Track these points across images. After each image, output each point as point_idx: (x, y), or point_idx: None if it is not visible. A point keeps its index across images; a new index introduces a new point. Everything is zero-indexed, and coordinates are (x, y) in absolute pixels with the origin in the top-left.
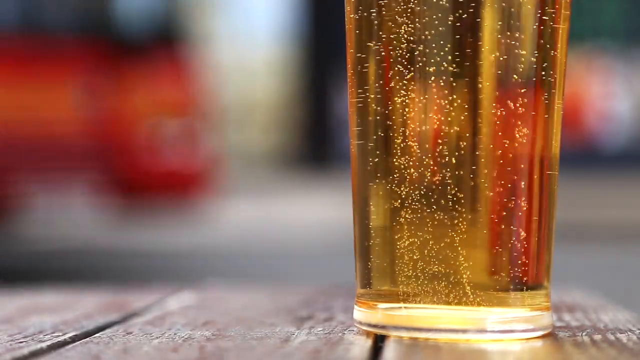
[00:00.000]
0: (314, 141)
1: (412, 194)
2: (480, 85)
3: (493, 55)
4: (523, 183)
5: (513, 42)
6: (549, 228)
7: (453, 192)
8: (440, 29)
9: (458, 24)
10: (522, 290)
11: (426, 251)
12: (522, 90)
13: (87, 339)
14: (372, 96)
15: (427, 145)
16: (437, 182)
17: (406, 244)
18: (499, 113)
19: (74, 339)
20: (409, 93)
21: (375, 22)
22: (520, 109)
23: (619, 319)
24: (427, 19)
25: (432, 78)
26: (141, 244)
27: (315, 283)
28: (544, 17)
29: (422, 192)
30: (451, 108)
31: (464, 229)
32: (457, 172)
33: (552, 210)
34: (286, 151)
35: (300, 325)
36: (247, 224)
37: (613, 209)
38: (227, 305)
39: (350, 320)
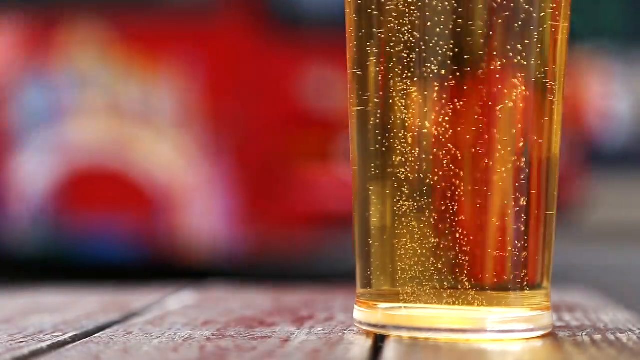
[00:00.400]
0: None
1: (412, 194)
2: (480, 86)
3: (493, 55)
4: (523, 183)
5: (513, 43)
6: (549, 228)
7: (453, 192)
8: (440, 30)
9: (458, 25)
10: (522, 290)
11: (426, 251)
12: (523, 91)
13: (87, 339)
14: (372, 97)
15: (427, 146)
16: (437, 182)
17: (406, 244)
18: (499, 114)
19: (74, 339)
20: (409, 94)
21: (375, 23)
22: (520, 109)
23: (619, 319)
24: (427, 19)
25: (433, 79)
26: None
27: (315, 283)
28: (544, 17)
29: (422, 192)
30: (451, 109)
31: (464, 229)
32: (457, 173)
33: (552, 210)
34: None
35: (300, 325)
36: None
37: (613, 209)
38: (227, 305)
39: (350, 320)
